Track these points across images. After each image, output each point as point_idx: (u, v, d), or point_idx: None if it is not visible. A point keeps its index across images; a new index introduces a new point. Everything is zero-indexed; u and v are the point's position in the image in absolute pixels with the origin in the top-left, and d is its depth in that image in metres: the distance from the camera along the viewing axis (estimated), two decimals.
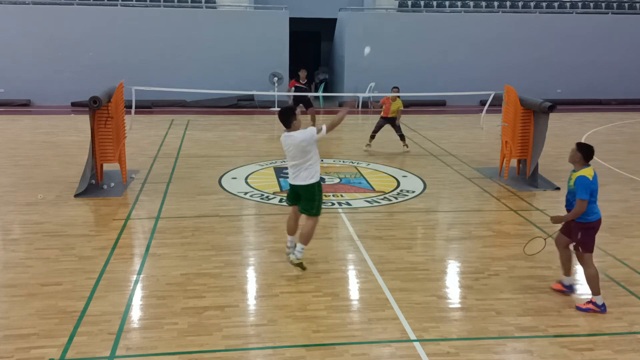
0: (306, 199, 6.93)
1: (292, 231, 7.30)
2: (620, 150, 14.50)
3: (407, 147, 13.77)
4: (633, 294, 6.58)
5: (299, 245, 6.89)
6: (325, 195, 10.17)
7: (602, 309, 6.12)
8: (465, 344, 5.50)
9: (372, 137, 13.83)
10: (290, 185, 7.07)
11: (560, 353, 5.36)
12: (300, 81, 16.31)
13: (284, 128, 6.90)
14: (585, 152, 6.22)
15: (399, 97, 13.59)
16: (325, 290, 6.54)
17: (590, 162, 6.29)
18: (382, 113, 13.71)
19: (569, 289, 6.56)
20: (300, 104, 15.84)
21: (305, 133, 6.76)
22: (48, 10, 20.80)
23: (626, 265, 7.40)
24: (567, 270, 6.56)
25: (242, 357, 5.29)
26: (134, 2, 22.00)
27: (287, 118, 6.81)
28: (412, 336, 5.60)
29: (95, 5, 21.45)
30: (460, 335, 5.68)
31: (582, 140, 14.92)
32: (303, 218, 7.09)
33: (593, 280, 6.14)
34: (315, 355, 5.27)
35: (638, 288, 6.74)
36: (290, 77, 22.29)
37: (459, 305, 6.32)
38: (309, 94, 16.84)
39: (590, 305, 6.15)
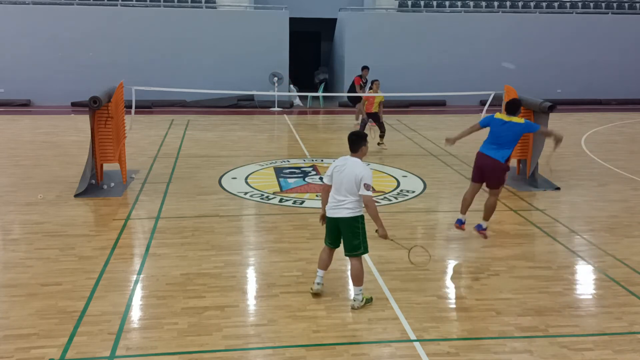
0: (349, 235, 6.07)
1: (324, 265, 6.39)
2: (620, 150, 14.50)
3: (385, 145, 13.96)
4: (633, 294, 6.58)
5: (356, 289, 6.13)
6: None
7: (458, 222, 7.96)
8: (465, 344, 5.50)
9: (381, 136, 14.07)
10: (329, 218, 6.16)
11: (560, 353, 5.36)
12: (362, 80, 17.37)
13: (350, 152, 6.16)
14: (507, 104, 7.93)
15: (378, 90, 13.95)
16: (325, 290, 6.54)
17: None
18: (360, 108, 14.20)
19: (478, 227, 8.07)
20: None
21: (366, 171, 5.97)
22: (48, 10, 20.81)
23: (626, 265, 7.40)
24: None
25: (242, 357, 5.29)
26: (134, 2, 22.00)
27: (358, 142, 6.07)
28: (412, 336, 5.60)
29: (95, 5, 21.45)
30: (460, 335, 5.68)
31: (582, 140, 14.96)
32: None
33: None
34: (315, 355, 5.27)
35: (638, 288, 6.74)
36: (290, 77, 22.37)
37: (459, 305, 6.32)
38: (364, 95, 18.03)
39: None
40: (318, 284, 6.34)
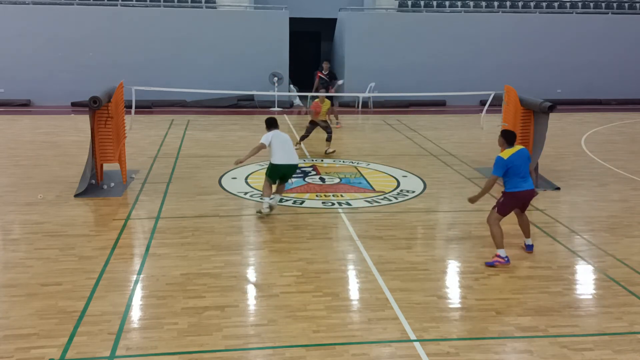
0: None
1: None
2: (620, 150, 14.50)
3: (333, 149, 13.57)
4: (633, 294, 6.58)
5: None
6: (325, 195, 10.19)
7: (506, 259, 7.23)
8: (465, 344, 5.50)
9: (302, 138, 13.78)
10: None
11: (560, 353, 5.36)
12: (323, 72, 17.52)
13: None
14: (507, 137, 7.57)
15: (326, 98, 13.99)
16: (325, 290, 6.54)
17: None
18: (311, 117, 13.69)
19: (529, 248, 7.75)
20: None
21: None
22: (48, 10, 20.80)
23: (626, 265, 7.40)
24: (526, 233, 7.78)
25: (242, 357, 5.30)
26: (134, 2, 22.00)
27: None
28: (412, 336, 5.60)
29: (95, 5, 21.45)
30: (460, 335, 5.69)
31: (582, 140, 14.98)
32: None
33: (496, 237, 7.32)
34: (315, 355, 5.27)
35: (638, 288, 6.74)
36: (290, 77, 22.36)
37: (459, 305, 6.32)
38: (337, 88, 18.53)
39: (497, 259, 7.23)
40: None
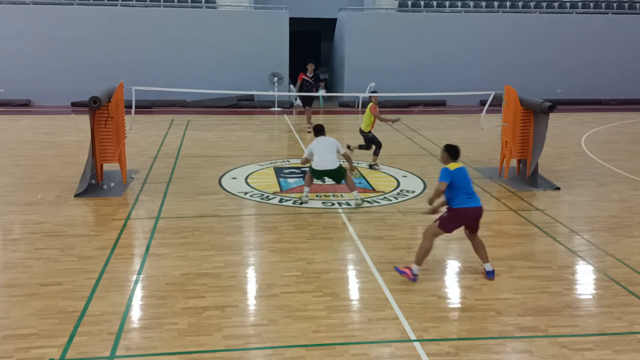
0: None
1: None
2: (620, 150, 14.50)
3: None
4: (633, 294, 6.58)
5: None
6: (325, 195, 10.19)
7: (414, 278, 6.78)
8: (465, 344, 5.50)
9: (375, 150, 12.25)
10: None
11: (560, 353, 5.36)
12: (308, 74, 16.62)
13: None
14: (450, 152, 7.01)
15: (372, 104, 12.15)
16: (325, 290, 6.54)
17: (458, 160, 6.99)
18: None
19: (490, 275, 6.97)
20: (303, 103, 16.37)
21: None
22: (48, 10, 20.81)
23: (626, 265, 7.40)
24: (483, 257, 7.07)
25: (242, 357, 5.30)
26: (134, 2, 22.00)
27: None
28: (412, 336, 5.60)
29: (95, 5, 21.45)
30: (460, 335, 5.68)
31: (582, 140, 14.98)
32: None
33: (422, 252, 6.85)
34: (315, 355, 5.27)
35: (638, 288, 6.74)
36: (290, 77, 22.34)
37: (459, 305, 6.32)
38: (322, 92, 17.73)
39: (407, 270, 6.80)
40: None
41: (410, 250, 7.80)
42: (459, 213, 6.81)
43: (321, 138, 9.85)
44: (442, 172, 6.83)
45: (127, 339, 5.49)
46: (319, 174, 9.80)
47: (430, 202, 7.00)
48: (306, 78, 16.73)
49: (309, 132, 15.61)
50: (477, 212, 6.88)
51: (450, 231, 6.94)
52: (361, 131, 12.38)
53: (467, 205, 6.79)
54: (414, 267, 6.80)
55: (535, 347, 5.47)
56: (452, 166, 6.86)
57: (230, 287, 6.59)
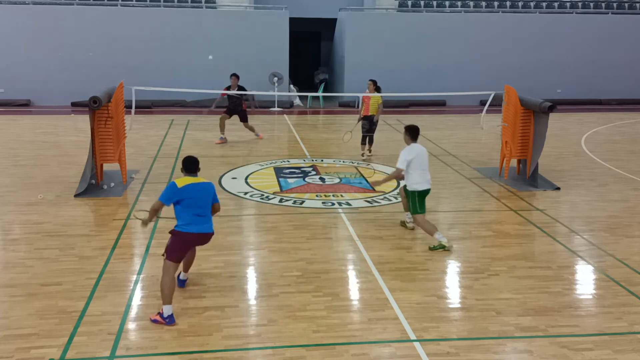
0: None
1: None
2: (620, 150, 14.50)
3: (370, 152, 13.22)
4: (633, 294, 6.58)
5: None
6: (325, 195, 10.19)
7: (167, 320, 5.67)
8: (465, 344, 5.50)
9: (364, 142, 13.16)
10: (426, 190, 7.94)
11: (560, 353, 5.36)
12: (231, 88, 14.28)
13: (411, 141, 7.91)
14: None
15: (377, 91, 13.03)
16: (325, 290, 6.54)
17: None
18: (362, 112, 13.15)
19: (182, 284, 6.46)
20: (234, 114, 14.50)
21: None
22: (48, 10, 20.81)
23: (626, 265, 7.40)
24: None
25: (242, 357, 5.29)
26: (134, 2, 22.00)
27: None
28: (412, 336, 5.60)
29: (95, 5, 21.45)
30: (460, 335, 5.68)
31: (582, 140, 14.96)
32: None
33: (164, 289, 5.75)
34: (315, 355, 5.27)
35: (638, 288, 6.74)
36: (291, 77, 22.35)
37: (459, 305, 6.32)
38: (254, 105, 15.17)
39: (158, 317, 5.74)
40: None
41: (410, 250, 7.82)
42: (182, 237, 5.87)
43: (417, 146, 7.84)
44: (168, 187, 5.93)
45: (127, 339, 5.49)
46: (423, 197, 7.84)
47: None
48: (228, 93, 14.34)
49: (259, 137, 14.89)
50: (204, 238, 6.04)
51: (180, 260, 5.96)
52: (371, 117, 13.14)
53: (191, 230, 5.86)
54: (166, 308, 5.72)
55: (535, 347, 5.47)
56: (182, 182, 5.91)
57: (230, 287, 6.58)
